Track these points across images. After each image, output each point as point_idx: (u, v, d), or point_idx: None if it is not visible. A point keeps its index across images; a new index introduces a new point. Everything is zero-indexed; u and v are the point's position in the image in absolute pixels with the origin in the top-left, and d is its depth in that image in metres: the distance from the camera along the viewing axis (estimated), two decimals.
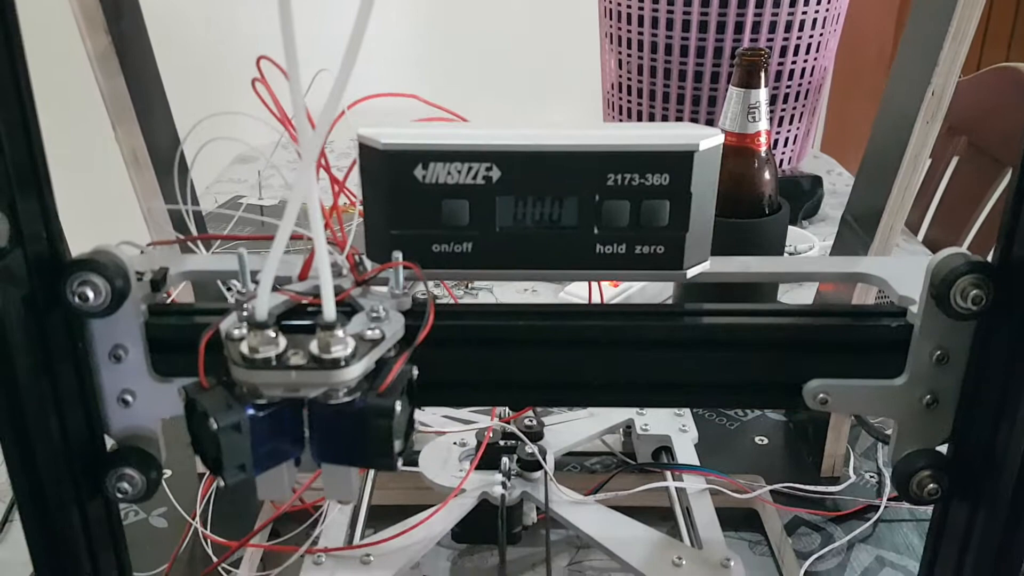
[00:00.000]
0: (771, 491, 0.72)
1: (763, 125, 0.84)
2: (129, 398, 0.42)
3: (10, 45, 0.35)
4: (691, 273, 0.43)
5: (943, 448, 0.44)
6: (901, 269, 0.45)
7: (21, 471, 0.40)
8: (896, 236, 0.65)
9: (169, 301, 0.47)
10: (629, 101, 1.49)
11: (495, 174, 0.41)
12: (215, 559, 0.64)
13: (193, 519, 0.65)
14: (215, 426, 0.36)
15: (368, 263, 0.43)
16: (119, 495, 0.42)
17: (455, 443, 0.69)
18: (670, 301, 1.01)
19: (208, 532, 0.65)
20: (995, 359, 0.40)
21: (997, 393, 0.40)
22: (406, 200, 0.41)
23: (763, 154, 0.86)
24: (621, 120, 1.53)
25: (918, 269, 0.41)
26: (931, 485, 0.42)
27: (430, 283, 0.42)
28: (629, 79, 1.47)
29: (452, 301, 0.45)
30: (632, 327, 0.43)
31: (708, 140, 0.41)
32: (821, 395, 0.43)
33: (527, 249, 0.42)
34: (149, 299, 0.42)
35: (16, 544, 0.70)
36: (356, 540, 0.63)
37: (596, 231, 0.42)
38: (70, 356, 0.41)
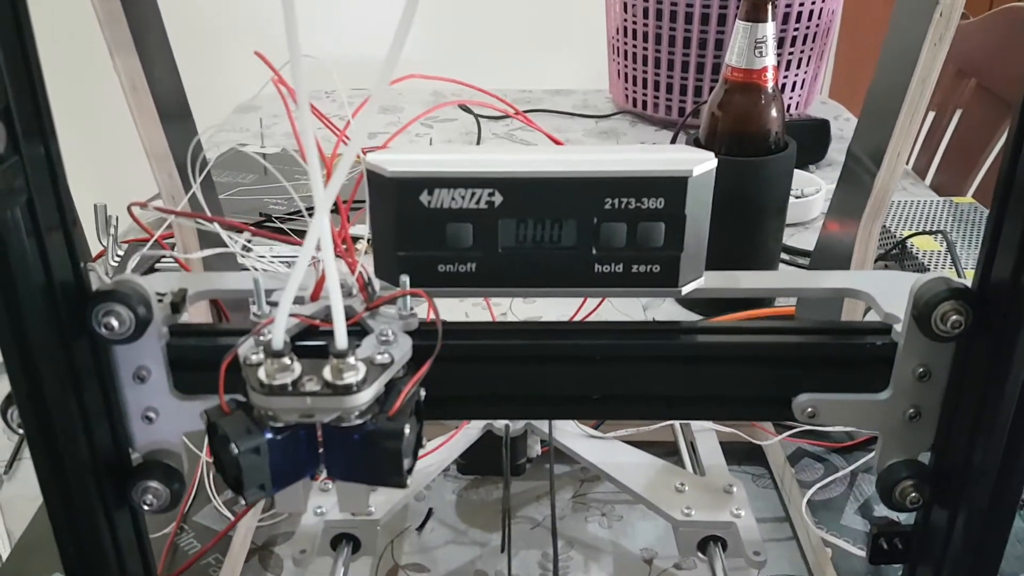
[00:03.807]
0: (776, 425, 0.73)
1: (770, 61, 0.82)
2: (152, 415, 0.44)
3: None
4: (686, 290, 0.44)
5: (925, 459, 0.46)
6: (887, 286, 0.46)
7: (52, 484, 0.43)
8: (902, 166, 0.63)
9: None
10: (635, 46, 1.48)
11: (497, 199, 0.42)
12: (217, 493, 0.66)
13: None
14: (236, 451, 0.38)
15: (376, 282, 0.45)
16: (145, 506, 0.44)
17: None
18: None
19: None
20: (974, 377, 0.42)
21: (975, 408, 0.42)
22: (412, 223, 0.43)
23: (770, 90, 0.83)
24: (627, 65, 1.52)
25: (904, 286, 0.43)
26: (913, 494, 0.44)
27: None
28: (635, 22, 1.47)
29: (461, 320, 0.46)
30: (630, 345, 0.45)
31: (702, 165, 0.42)
32: (809, 408, 0.44)
33: (528, 269, 0.44)
34: (170, 320, 0.44)
35: (24, 480, 0.72)
36: None
37: (594, 251, 0.43)
38: (96, 377, 0.43)
